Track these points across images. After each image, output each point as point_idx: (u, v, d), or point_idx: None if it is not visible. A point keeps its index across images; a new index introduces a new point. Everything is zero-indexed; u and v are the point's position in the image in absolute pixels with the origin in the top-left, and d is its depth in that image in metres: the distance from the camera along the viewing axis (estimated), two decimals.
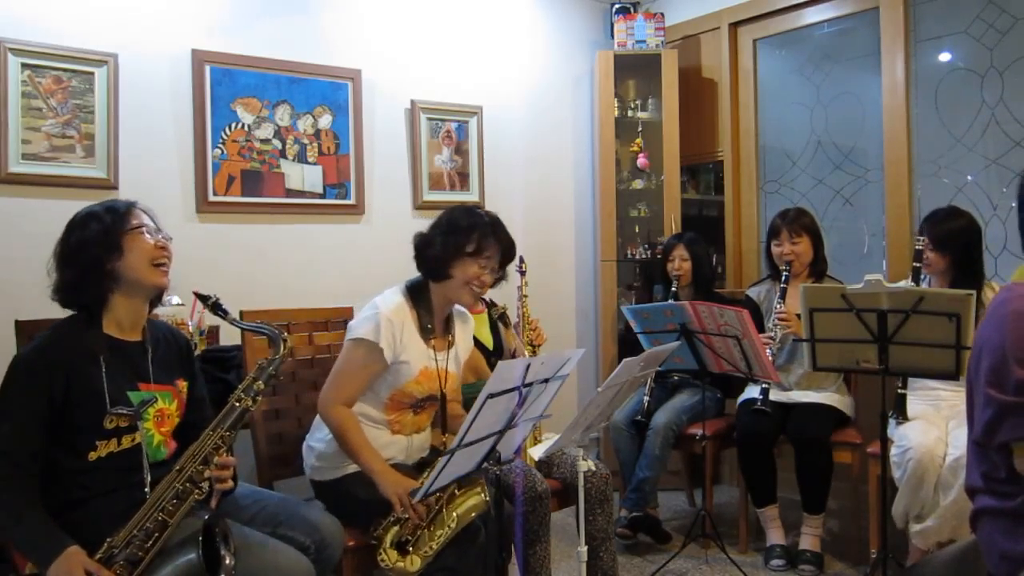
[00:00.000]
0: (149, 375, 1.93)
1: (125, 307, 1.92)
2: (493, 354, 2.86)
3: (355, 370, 2.24)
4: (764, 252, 3.58)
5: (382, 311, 2.26)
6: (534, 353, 2.86)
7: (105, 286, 1.87)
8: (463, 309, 2.50)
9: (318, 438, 2.36)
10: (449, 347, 2.40)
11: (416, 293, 2.36)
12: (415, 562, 2.08)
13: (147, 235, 1.90)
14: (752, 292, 3.55)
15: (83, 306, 1.90)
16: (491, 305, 2.50)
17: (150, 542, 1.72)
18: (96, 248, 1.85)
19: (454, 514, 2.13)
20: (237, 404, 1.88)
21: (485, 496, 2.16)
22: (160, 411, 1.93)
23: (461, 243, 2.29)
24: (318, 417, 2.35)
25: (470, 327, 2.56)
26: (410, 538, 2.10)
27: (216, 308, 1.95)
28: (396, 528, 2.11)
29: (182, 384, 2.03)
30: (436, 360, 2.33)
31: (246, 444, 2.54)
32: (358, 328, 2.27)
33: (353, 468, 2.27)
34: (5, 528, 1.74)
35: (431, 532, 2.12)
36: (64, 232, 1.91)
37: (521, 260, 2.92)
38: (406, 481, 2.15)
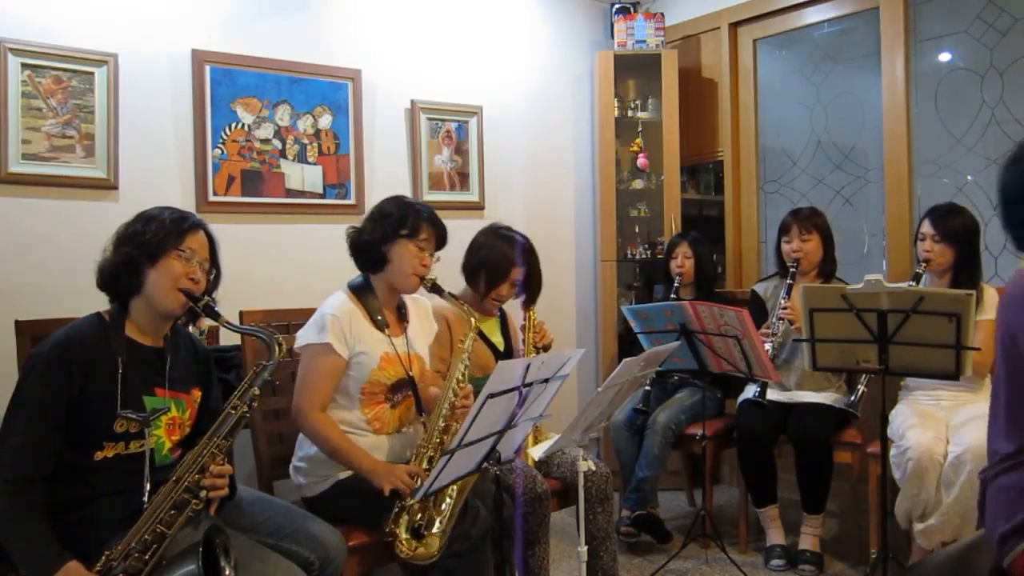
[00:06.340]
0: (166, 381, 1.93)
1: (146, 314, 1.93)
2: (503, 356, 2.90)
3: (317, 374, 2.26)
4: (774, 249, 3.54)
5: (326, 311, 2.30)
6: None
7: (132, 286, 1.89)
8: (416, 296, 2.53)
9: (301, 456, 2.38)
10: (404, 331, 2.44)
11: (359, 290, 2.40)
12: (433, 543, 2.14)
13: (185, 262, 1.90)
14: (759, 288, 3.54)
15: (113, 295, 1.92)
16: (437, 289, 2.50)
17: (148, 554, 1.72)
18: (137, 249, 1.87)
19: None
20: (233, 412, 1.87)
21: None
22: (172, 419, 1.93)
23: (394, 226, 2.34)
24: (300, 437, 2.38)
25: (425, 310, 2.59)
26: (421, 523, 2.15)
27: (207, 310, 1.93)
28: (405, 516, 2.15)
29: (197, 393, 2.03)
30: (395, 345, 2.37)
31: (246, 444, 2.55)
32: (305, 335, 2.30)
33: (342, 475, 2.29)
34: (5, 536, 1.70)
35: (437, 508, 2.18)
36: (132, 218, 1.94)
37: None
38: (398, 468, 2.18)
